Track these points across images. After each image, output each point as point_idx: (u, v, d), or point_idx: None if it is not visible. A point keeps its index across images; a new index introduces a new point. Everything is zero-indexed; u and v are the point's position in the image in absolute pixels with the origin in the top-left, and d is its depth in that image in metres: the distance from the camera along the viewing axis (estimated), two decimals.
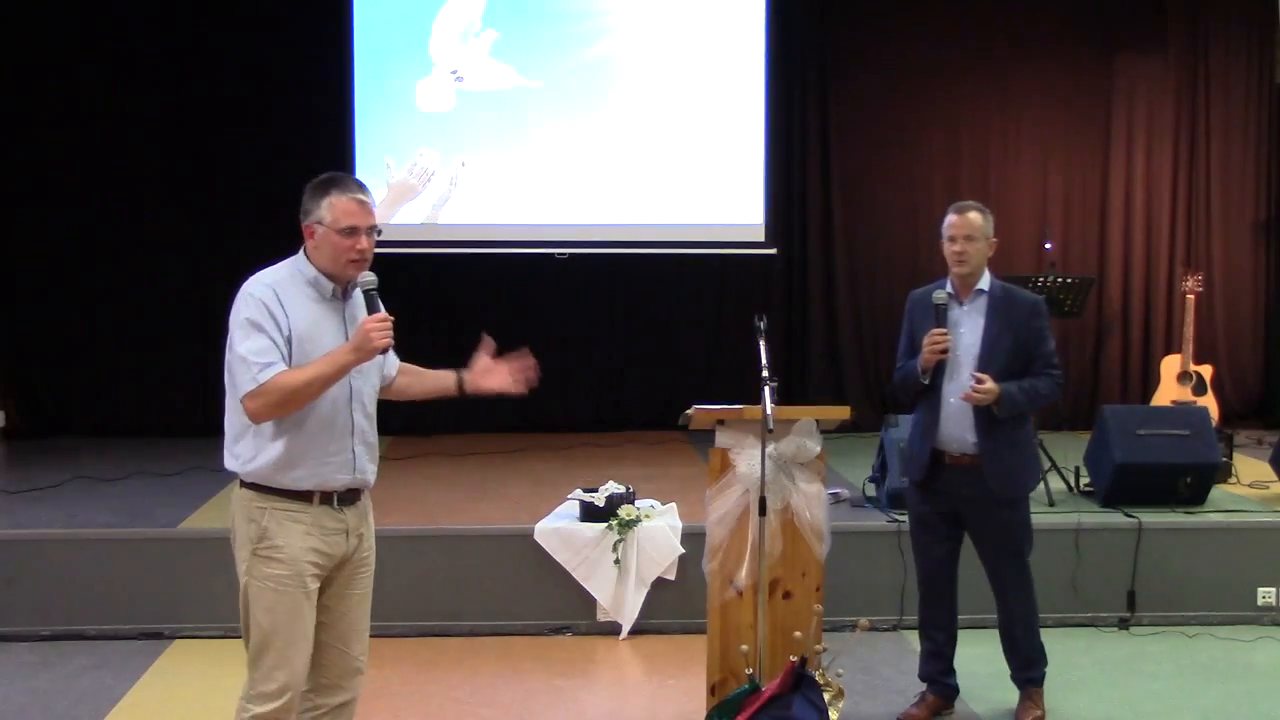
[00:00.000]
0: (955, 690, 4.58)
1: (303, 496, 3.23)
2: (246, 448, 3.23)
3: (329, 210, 3.20)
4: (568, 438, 8.05)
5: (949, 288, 4.36)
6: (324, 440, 3.23)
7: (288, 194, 8.22)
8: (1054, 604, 5.50)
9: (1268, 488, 6.35)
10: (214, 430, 9.31)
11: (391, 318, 3.21)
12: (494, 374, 3.53)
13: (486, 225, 8.14)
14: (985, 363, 4.24)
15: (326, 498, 3.26)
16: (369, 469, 3.35)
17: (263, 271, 3.28)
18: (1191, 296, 7.52)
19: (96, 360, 8.19)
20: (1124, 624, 5.56)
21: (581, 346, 8.49)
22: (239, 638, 5.33)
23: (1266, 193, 8.79)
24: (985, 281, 4.33)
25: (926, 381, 4.32)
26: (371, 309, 3.22)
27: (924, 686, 4.57)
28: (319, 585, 3.28)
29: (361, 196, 3.23)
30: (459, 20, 8.15)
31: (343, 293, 3.29)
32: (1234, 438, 6.97)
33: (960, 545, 4.47)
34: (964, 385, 4.26)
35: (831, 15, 8.53)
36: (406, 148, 8.14)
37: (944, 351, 4.25)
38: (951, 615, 4.53)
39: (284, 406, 3.13)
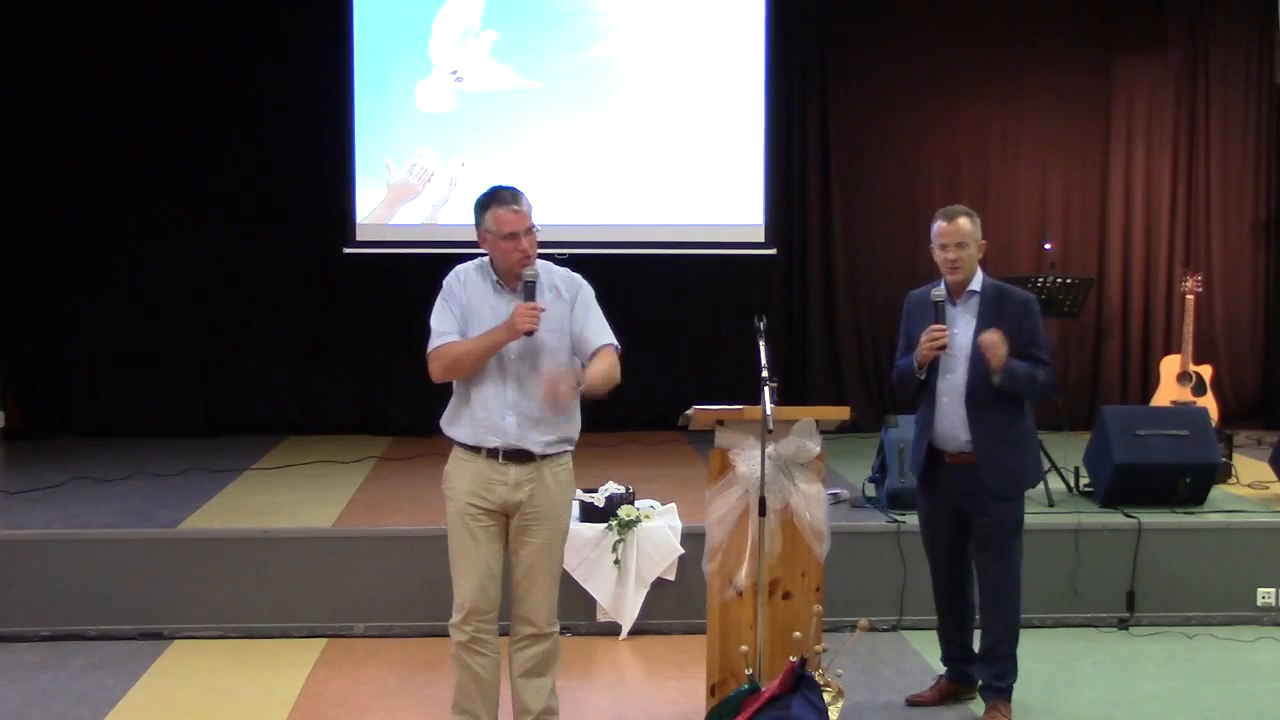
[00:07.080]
0: (971, 678, 4.62)
1: (470, 449, 3.88)
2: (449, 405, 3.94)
3: (492, 221, 3.87)
4: None
5: (943, 288, 4.41)
6: (478, 407, 3.86)
7: (288, 194, 8.24)
8: (1053, 604, 5.52)
9: (1268, 488, 6.35)
10: (214, 430, 9.23)
11: (543, 307, 3.82)
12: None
13: None
14: (977, 360, 4.28)
15: (492, 453, 3.84)
16: (528, 437, 3.85)
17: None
18: (1191, 297, 7.51)
19: (96, 360, 8.17)
20: (1124, 624, 5.55)
21: None
22: (238, 638, 5.36)
23: (1266, 193, 8.78)
24: (978, 282, 4.40)
25: (923, 376, 4.38)
26: (527, 297, 3.83)
27: (942, 670, 4.70)
28: (492, 524, 3.89)
29: (516, 207, 3.89)
30: (459, 20, 8.14)
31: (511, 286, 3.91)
32: (1234, 438, 6.96)
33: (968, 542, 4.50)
34: (958, 383, 4.33)
35: (831, 16, 8.52)
36: (406, 148, 8.13)
37: (942, 347, 4.29)
38: (963, 607, 4.58)
39: (450, 371, 3.86)
